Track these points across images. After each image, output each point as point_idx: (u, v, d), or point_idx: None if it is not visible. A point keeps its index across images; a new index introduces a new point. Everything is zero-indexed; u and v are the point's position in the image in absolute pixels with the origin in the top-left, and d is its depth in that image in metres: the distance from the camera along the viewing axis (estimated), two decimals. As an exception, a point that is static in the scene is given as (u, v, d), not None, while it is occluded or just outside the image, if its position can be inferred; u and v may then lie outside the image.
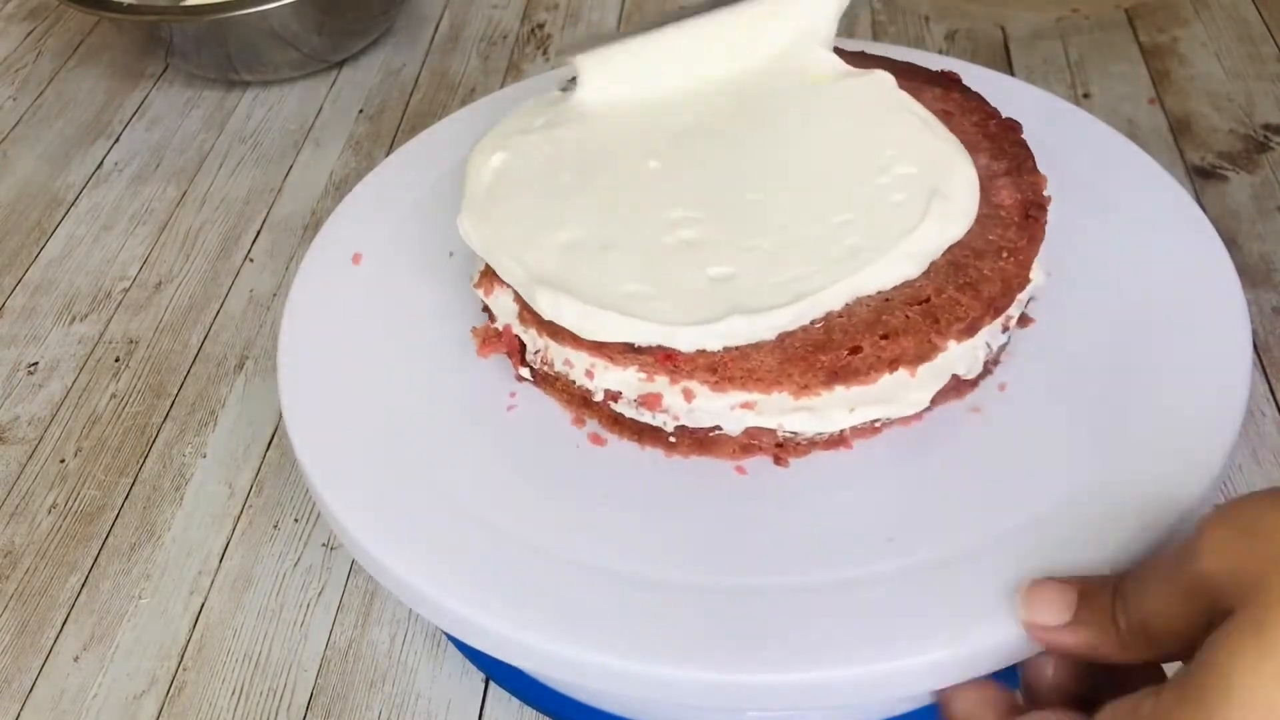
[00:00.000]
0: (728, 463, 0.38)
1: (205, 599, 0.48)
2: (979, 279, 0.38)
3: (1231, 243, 0.58)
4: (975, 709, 0.32)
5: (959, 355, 0.37)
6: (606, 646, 0.33)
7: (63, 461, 0.54)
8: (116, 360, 0.59)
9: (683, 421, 0.38)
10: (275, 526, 0.51)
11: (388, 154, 0.57)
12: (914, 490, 0.37)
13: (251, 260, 0.64)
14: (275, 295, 0.62)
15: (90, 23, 0.83)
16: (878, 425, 0.38)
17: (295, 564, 0.49)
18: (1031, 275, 0.39)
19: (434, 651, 0.46)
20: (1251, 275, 0.57)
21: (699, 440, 0.38)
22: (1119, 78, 0.70)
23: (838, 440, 0.38)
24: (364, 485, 0.38)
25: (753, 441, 0.38)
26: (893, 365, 0.36)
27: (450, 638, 0.46)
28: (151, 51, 0.78)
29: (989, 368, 0.39)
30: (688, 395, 0.37)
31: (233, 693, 0.45)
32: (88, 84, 0.79)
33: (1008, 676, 0.33)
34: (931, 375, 0.37)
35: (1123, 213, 0.45)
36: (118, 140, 0.74)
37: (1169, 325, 0.40)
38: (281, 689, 0.45)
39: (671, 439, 0.38)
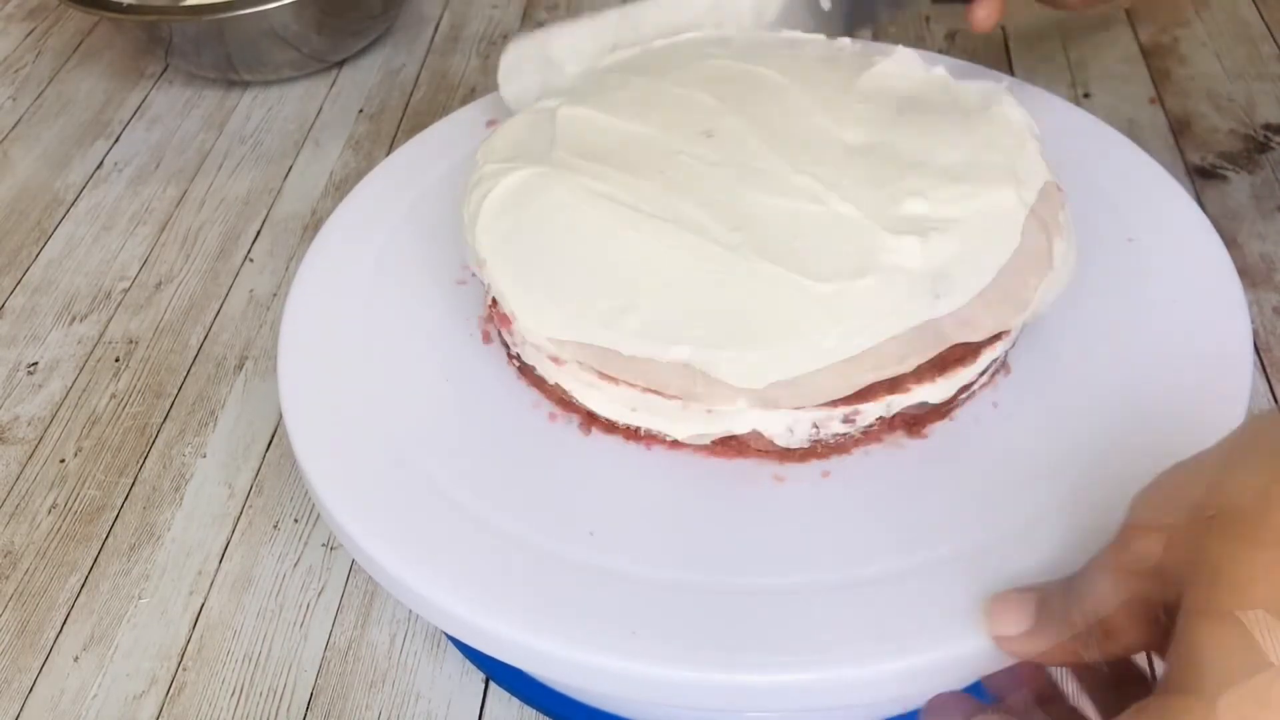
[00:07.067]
0: (729, 461, 0.38)
1: (205, 599, 0.48)
2: None
3: (1231, 243, 0.58)
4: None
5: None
6: (607, 648, 0.33)
7: (63, 461, 0.54)
8: (116, 360, 0.59)
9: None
10: (275, 527, 0.51)
11: (388, 154, 0.57)
12: (916, 492, 0.37)
13: (251, 260, 0.64)
14: (275, 295, 0.62)
15: (90, 23, 0.83)
16: (883, 424, 0.38)
17: (295, 564, 0.49)
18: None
19: (434, 651, 0.46)
20: (1251, 275, 0.57)
21: (760, 441, 0.38)
22: (1119, 78, 0.70)
23: (843, 445, 0.38)
24: (363, 486, 0.38)
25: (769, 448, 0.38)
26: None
27: (450, 638, 0.46)
28: (151, 51, 0.77)
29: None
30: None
31: (233, 693, 0.45)
32: (88, 84, 0.79)
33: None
34: None
35: (1123, 213, 0.45)
36: (118, 140, 0.74)
37: (1169, 325, 0.40)
38: (281, 689, 0.45)
39: (667, 440, 0.38)
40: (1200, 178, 0.63)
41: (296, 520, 0.51)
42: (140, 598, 0.49)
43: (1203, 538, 0.26)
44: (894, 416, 0.38)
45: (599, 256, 0.38)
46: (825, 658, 0.32)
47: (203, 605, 0.48)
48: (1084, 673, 0.32)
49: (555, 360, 0.38)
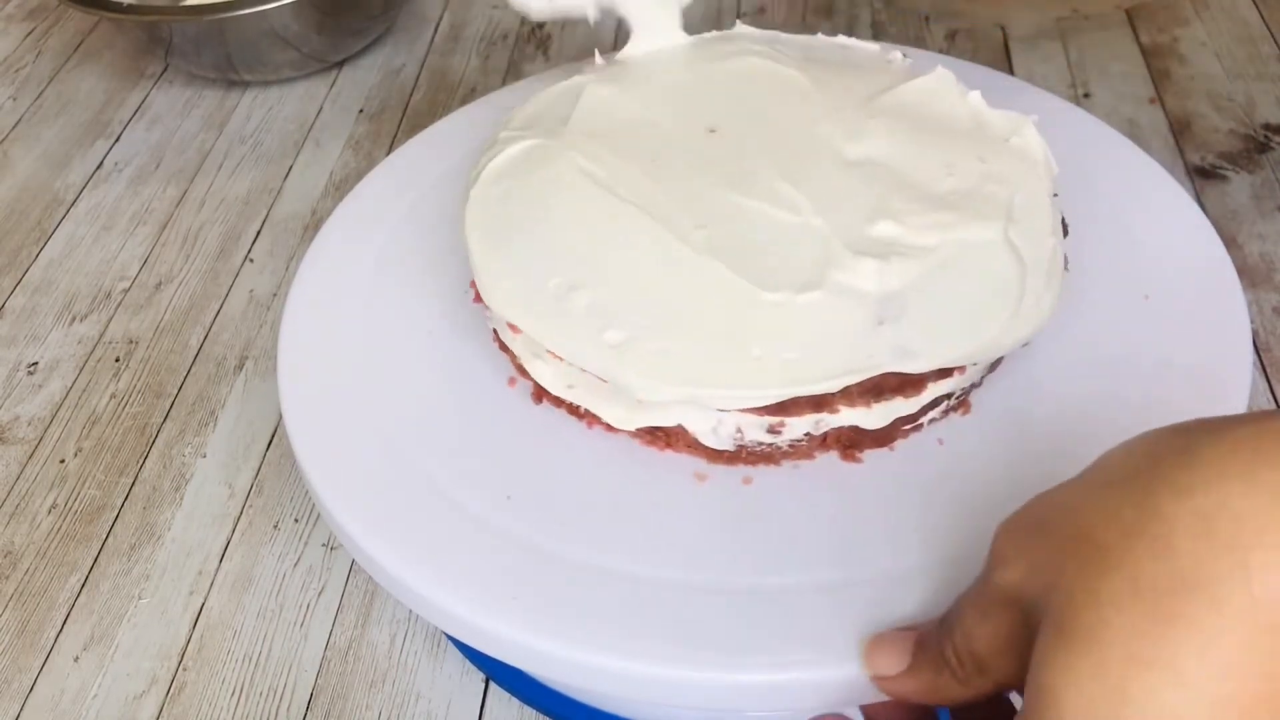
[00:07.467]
0: (658, 452, 0.38)
1: (205, 599, 0.48)
2: None
3: (1231, 243, 0.58)
4: None
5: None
6: (607, 648, 0.33)
7: (63, 461, 0.54)
8: (116, 360, 0.59)
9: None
10: (275, 526, 0.51)
11: (388, 154, 0.57)
12: (828, 514, 0.36)
13: (251, 260, 0.64)
14: (275, 295, 0.62)
15: (90, 23, 0.83)
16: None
17: (295, 564, 0.49)
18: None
19: (434, 651, 0.46)
20: (1251, 275, 0.57)
21: (685, 437, 0.38)
22: (1119, 78, 0.70)
23: (772, 456, 0.38)
24: (364, 485, 0.38)
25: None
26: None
27: (450, 638, 0.46)
28: (151, 51, 0.77)
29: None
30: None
31: (233, 693, 0.45)
32: (88, 84, 0.79)
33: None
34: None
35: (1123, 213, 0.45)
36: (118, 140, 0.74)
37: (1169, 325, 0.40)
38: (281, 689, 0.45)
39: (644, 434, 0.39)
40: (1200, 178, 0.63)
41: (296, 520, 0.51)
42: (140, 598, 0.49)
43: (1059, 565, 0.25)
44: (825, 435, 0.37)
45: (564, 233, 0.39)
46: (826, 657, 0.32)
47: (203, 605, 0.48)
48: (960, 706, 0.31)
49: (512, 328, 0.39)
